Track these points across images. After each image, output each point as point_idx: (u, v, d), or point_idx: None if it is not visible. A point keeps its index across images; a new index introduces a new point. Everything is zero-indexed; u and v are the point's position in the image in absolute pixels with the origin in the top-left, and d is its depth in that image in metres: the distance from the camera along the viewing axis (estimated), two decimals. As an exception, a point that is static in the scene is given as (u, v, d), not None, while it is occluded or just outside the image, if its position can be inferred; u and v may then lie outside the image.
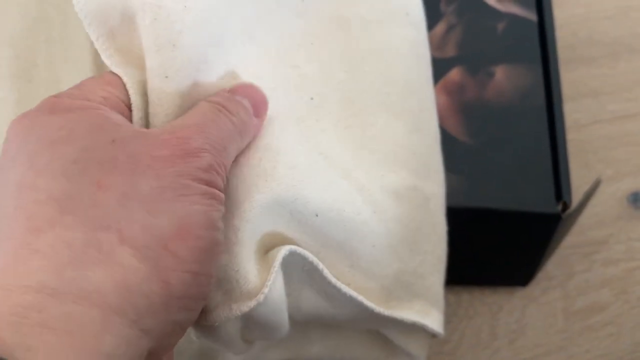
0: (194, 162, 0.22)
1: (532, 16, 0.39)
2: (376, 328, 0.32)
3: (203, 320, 0.25)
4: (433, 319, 0.31)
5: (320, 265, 0.26)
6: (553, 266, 0.43)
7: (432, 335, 0.33)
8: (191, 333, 0.26)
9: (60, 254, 0.20)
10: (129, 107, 0.25)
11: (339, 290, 0.27)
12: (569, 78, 0.47)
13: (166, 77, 0.24)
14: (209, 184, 0.22)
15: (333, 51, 0.30)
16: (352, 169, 0.29)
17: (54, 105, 0.23)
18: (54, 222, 0.20)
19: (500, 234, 0.37)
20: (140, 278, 0.20)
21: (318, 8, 0.30)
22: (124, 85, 0.25)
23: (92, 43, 0.33)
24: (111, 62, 0.25)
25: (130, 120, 0.25)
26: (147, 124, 0.25)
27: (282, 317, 0.26)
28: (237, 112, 0.25)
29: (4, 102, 0.32)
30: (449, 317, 0.40)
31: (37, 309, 0.19)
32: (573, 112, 0.46)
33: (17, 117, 0.23)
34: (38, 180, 0.21)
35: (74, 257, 0.20)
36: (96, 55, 0.34)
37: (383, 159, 0.30)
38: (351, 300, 0.28)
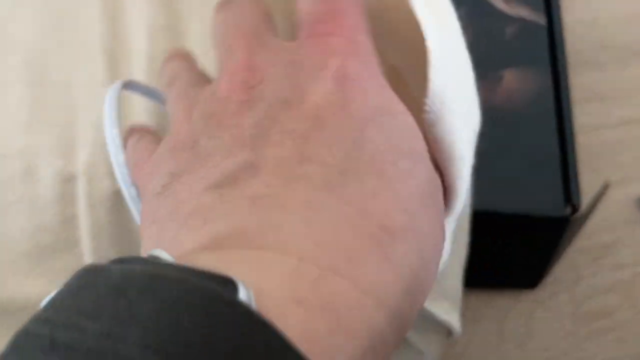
0: None
1: (541, 20, 0.39)
2: None
3: None
4: (455, 320, 0.31)
5: None
6: (561, 270, 0.43)
7: (448, 335, 0.33)
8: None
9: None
10: None
11: None
12: (577, 82, 0.47)
13: None
14: None
15: None
16: None
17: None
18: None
19: (509, 237, 0.37)
20: None
21: None
22: None
23: (103, 47, 0.34)
24: None
25: None
26: None
27: None
28: None
29: (18, 106, 0.32)
30: (457, 320, 0.40)
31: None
32: (580, 116, 0.46)
33: None
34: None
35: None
36: (108, 59, 0.34)
37: None
38: None
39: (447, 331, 0.34)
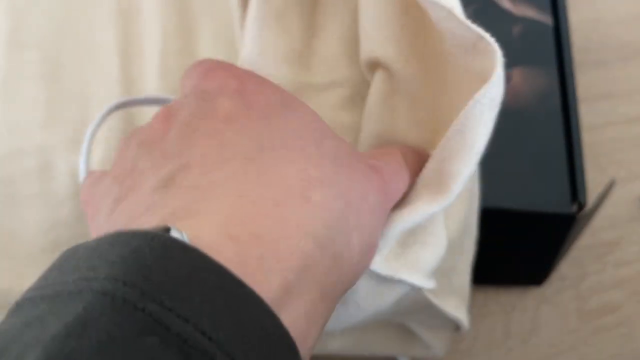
0: None
1: (548, 19, 0.39)
2: (405, 320, 0.33)
3: None
4: (463, 316, 0.32)
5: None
6: (566, 267, 0.43)
7: (455, 330, 0.33)
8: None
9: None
10: None
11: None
12: (582, 80, 0.47)
13: None
14: None
15: None
16: None
17: None
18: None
19: (515, 234, 0.37)
20: None
21: None
22: None
23: (117, 45, 0.34)
24: None
25: None
26: None
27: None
28: None
29: (35, 102, 0.33)
30: (464, 316, 0.40)
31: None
32: (585, 114, 0.47)
33: None
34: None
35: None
36: (122, 57, 0.34)
37: None
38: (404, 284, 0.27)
39: (454, 326, 0.34)
